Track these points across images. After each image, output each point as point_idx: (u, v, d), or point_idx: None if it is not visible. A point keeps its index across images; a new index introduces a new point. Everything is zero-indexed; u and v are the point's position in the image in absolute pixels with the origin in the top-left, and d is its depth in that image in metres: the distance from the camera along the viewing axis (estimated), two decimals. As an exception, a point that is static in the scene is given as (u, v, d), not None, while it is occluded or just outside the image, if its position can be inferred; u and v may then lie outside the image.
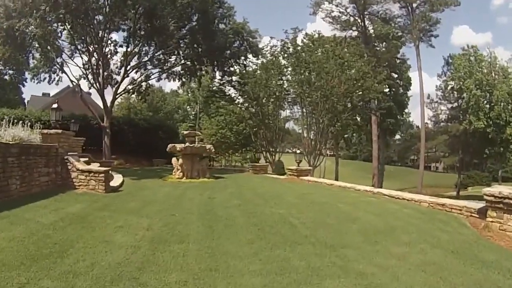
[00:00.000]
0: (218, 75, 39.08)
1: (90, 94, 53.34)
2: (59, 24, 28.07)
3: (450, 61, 55.46)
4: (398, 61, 56.44)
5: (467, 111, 49.97)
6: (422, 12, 51.36)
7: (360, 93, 34.64)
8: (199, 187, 16.70)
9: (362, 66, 33.54)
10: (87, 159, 18.37)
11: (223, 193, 14.85)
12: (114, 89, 32.70)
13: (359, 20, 53.41)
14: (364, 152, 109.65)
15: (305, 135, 35.69)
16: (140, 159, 33.40)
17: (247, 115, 39.25)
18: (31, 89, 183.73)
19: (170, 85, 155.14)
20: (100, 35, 29.78)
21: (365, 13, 52.38)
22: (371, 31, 53.79)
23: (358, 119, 45.05)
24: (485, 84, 45.91)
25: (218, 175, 23.03)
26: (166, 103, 79.61)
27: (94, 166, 15.01)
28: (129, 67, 33.03)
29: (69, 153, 14.77)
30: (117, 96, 33.82)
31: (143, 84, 37.09)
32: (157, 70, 36.14)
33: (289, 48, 35.00)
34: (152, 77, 36.71)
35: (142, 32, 30.91)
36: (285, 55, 35.23)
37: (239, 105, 40.75)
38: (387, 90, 46.53)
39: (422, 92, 52.74)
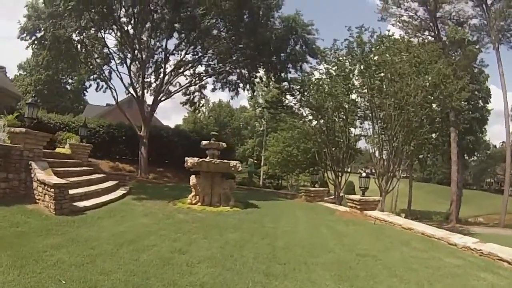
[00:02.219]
0: (273, 82, 32.10)
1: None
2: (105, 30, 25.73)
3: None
4: (475, 70, 46.87)
5: None
6: (498, 9, 42.14)
7: (438, 103, 26.91)
8: (194, 223, 10.42)
9: (441, 68, 25.47)
10: (91, 168, 16.32)
11: (216, 242, 8.27)
12: (153, 97, 28.25)
13: (431, 24, 45.63)
14: (438, 174, 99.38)
15: (377, 154, 28.26)
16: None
17: (311, 131, 31.53)
18: (97, 99, 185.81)
19: (238, 101, 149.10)
20: (150, 42, 27.08)
21: (437, 15, 44.60)
22: (444, 37, 44.85)
23: (434, 136, 36.39)
24: None
25: (256, 201, 16.51)
26: (233, 118, 74.05)
27: (57, 179, 10.63)
28: (175, 75, 29.28)
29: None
30: (158, 103, 28.58)
31: (197, 94, 32.79)
32: (211, 79, 31.96)
33: (354, 48, 27.32)
34: (208, 86, 33.01)
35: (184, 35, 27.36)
36: (352, 59, 27.49)
37: (301, 118, 32.69)
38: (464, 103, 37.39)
39: (506, 102, 43.05)
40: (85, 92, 64.00)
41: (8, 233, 7.39)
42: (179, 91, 30.55)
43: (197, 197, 13.91)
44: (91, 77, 29.70)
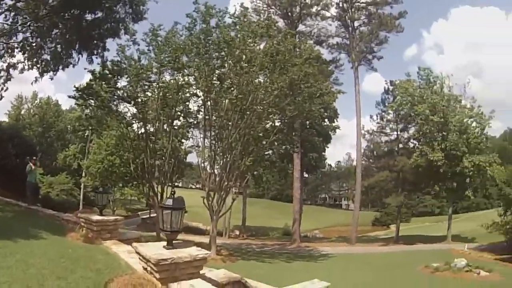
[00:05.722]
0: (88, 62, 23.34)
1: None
2: None
3: (391, 87, 43.54)
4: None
5: (420, 140, 38.88)
6: (365, 32, 41.75)
7: (294, 107, 21.38)
8: None
9: (302, 65, 20.48)
10: None
11: None
12: None
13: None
14: (272, 190, 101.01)
15: (208, 169, 22.36)
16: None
17: (129, 135, 23.38)
18: None
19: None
20: None
21: (297, 30, 39.67)
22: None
23: (270, 153, 33.12)
24: (439, 110, 34.96)
25: None
26: (59, 119, 63.01)
27: None
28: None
29: None
30: None
31: (2, 75, 23.04)
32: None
33: (196, 27, 20.08)
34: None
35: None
36: (191, 35, 20.28)
37: (118, 117, 23.12)
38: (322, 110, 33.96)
39: (359, 120, 42.06)
40: None
41: None
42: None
43: None
44: None
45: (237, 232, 48.49)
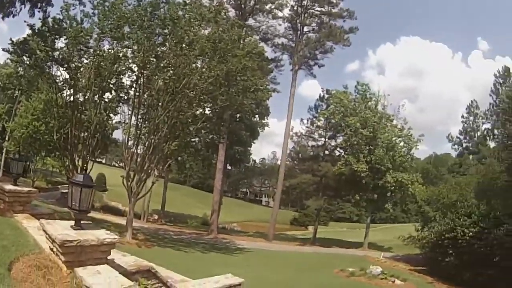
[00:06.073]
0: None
1: None
2: None
3: (327, 96, 44.89)
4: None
5: (346, 150, 40.25)
6: (313, 39, 42.95)
7: (226, 97, 21.59)
8: None
9: (242, 57, 20.66)
10: None
11: None
12: None
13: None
14: (194, 178, 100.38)
15: (133, 148, 21.96)
16: None
17: (58, 101, 21.91)
18: None
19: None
20: None
21: (246, 22, 39.31)
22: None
23: (196, 140, 34.40)
24: (370, 125, 36.43)
25: None
26: (-8, 75, 56.75)
27: None
28: None
29: None
30: None
31: None
32: None
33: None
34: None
35: None
36: (139, 5, 19.54)
37: (49, 80, 21.59)
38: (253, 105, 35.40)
39: (290, 122, 43.22)
40: None
41: None
42: None
43: None
44: None
45: (156, 217, 47.32)
